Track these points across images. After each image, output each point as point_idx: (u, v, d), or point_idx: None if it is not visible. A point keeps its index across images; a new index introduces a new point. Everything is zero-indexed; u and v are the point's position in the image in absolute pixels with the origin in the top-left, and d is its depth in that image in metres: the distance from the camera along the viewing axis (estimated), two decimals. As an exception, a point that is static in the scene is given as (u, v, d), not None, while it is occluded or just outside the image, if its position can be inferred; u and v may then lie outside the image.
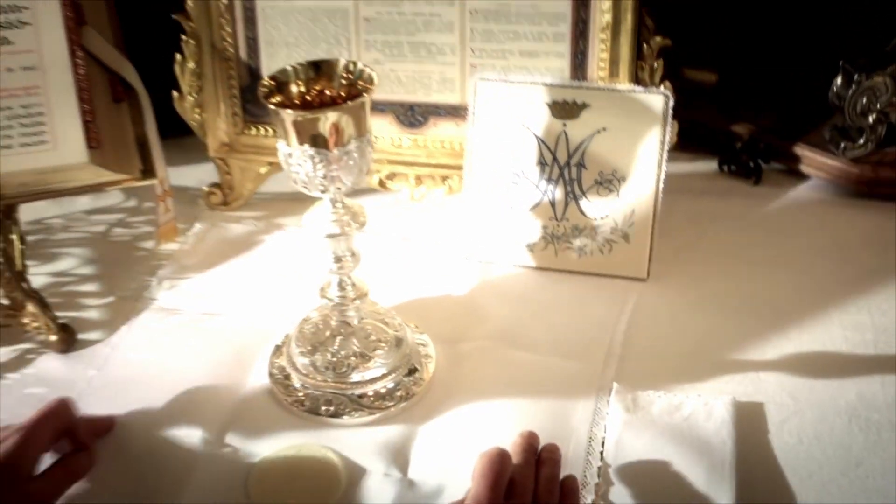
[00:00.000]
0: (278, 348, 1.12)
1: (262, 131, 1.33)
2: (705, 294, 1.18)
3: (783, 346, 1.09)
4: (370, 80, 0.95)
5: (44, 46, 1.12)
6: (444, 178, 1.29)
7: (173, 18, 1.28)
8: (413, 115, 1.29)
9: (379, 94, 1.25)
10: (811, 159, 1.32)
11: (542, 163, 1.19)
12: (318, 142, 0.93)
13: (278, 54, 1.27)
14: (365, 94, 0.93)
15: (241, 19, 1.28)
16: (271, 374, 1.08)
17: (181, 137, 1.36)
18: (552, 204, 1.20)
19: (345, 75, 0.98)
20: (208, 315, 1.18)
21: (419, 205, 1.32)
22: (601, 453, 0.97)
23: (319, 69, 0.98)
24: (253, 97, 1.31)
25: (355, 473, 0.97)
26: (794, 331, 1.12)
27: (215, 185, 1.37)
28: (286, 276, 1.24)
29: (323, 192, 0.97)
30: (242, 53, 1.29)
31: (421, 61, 1.26)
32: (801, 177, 1.35)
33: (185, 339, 1.15)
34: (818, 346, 1.10)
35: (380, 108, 1.28)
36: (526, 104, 1.18)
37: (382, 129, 1.29)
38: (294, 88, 0.97)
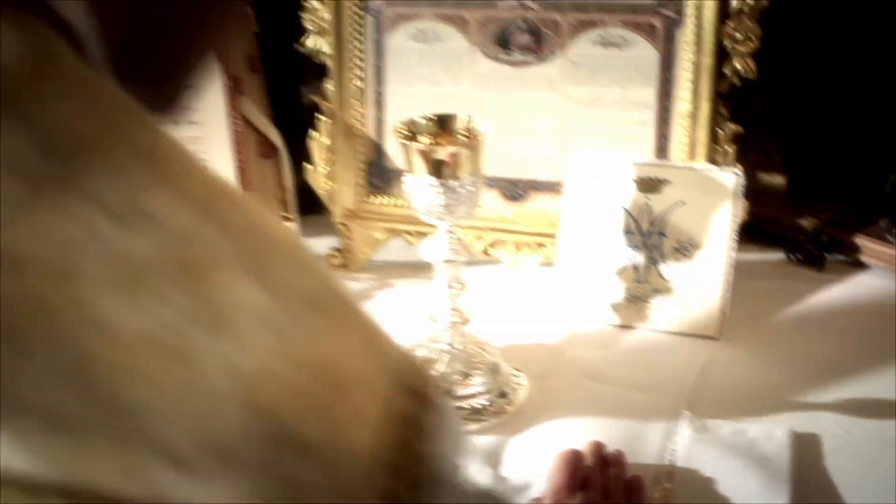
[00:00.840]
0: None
1: (383, 200, 1.52)
2: (771, 352, 1.31)
3: (840, 393, 1.22)
4: (481, 136, 1.15)
5: (206, 108, 1.34)
6: (541, 246, 1.46)
7: (312, 99, 1.50)
8: (516, 190, 1.47)
9: (488, 170, 1.44)
10: (870, 248, 1.46)
11: (627, 231, 1.36)
12: (440, 174, 1.11)
13: (401, 134, 1.47)
14: (480, 139, 1.12)
15: (372, 102, 1.49)
16: (381, 392, 1.24)
17: (304, 216, 1.56)
18: (636, 268, 1.36)
19: (463, 132, 1.17)
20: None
21: (517, 270, 1.49)
22: (671, 462, 1.10)
23: (442, 123, 1.17)
24: (377, 170, 1.51)
25: (454, 466, 1.11)
26: (851, 382, 1.24)
27: (336, 249, 1.55)
28: (394, 320, 1.41)
29: (440, 219, 1.15)
30: (370, 132, 1.50)
31: (525, 142, 1.45)
32: (863, 266, 1.49)
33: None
34: (873, 394, 1.22)
35: (488, 183, 1.46)
36: (615, 180, 1.36)
37: (489, 201, 1.47)
38: (421, 140, 1.16)
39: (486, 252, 1.49)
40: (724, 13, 1.32)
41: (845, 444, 1.13)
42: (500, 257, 1.49)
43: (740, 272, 1.36)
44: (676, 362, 1.29)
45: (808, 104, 1.58)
